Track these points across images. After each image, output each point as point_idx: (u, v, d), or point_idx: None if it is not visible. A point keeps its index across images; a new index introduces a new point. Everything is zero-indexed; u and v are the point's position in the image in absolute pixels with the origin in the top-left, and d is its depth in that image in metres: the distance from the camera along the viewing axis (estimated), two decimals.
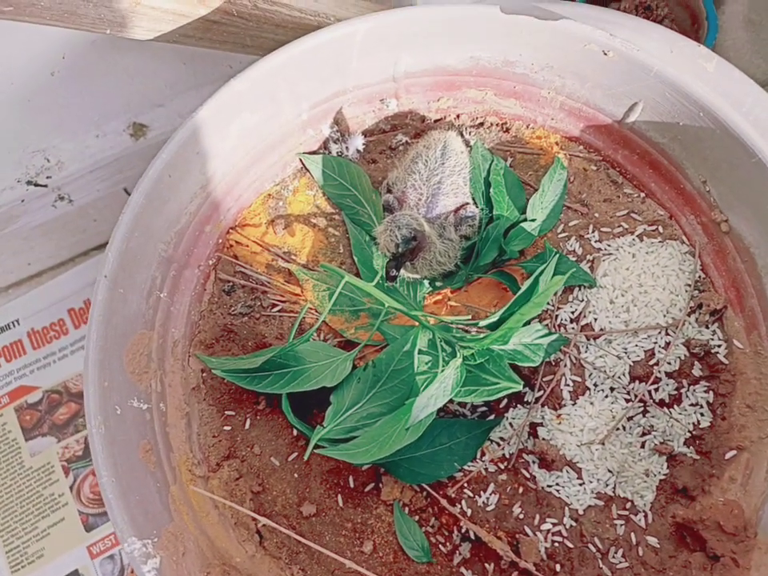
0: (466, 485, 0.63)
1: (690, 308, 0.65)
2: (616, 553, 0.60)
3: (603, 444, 0.63)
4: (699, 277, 0.67)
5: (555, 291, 0.65)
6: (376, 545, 0.62)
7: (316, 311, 0.67)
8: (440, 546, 0.62)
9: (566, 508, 0.61)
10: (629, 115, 0.66)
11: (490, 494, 0.62)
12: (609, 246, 0.68)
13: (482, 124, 0.73)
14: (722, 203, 0.64)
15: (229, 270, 0.68)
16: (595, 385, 0.64)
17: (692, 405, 0.64)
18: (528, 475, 0.63)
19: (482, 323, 0.60)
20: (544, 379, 0.64)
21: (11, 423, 0.89)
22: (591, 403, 0.64)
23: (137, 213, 0.56)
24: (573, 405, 0.64)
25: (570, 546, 0.60)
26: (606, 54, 0.62)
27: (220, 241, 0.68)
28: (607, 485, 0.62)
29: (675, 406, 0.64)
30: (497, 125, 0.73)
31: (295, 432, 0.65)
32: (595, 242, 0.68)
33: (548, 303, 0.65)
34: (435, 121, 0.73)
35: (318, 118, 0.70)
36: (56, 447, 0.89)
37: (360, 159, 0.72)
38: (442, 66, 0.68)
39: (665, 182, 0.68)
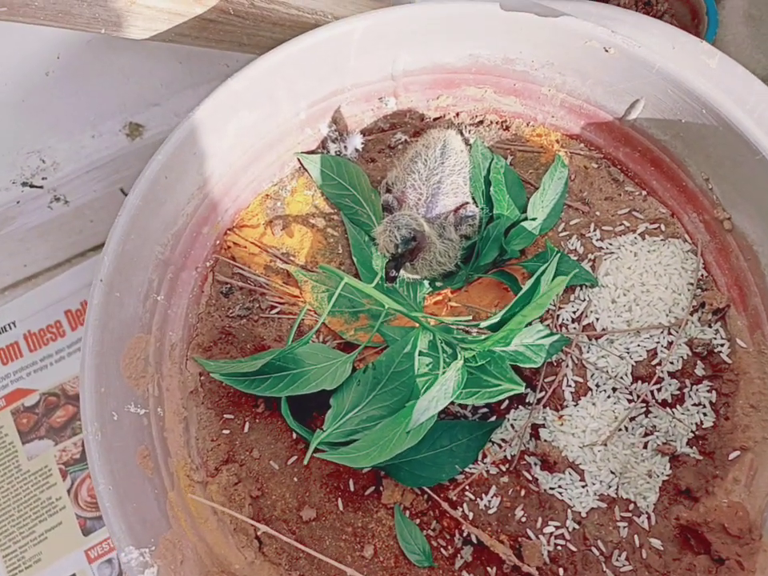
0: (467, 487, 0.62)
1: (693, 307, 0.65)
2: (619, 556, 0.59)
3: (605, 445, 0.62)
4: (702, 275, 0.66)
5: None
6: (377, 549, 0.61)
7: (315, 313, 0.67)
8: (441, 549, 0.61)
9: (569, 510, 0.61)
10: (630, 112, 0.66)
11: (492, 497, 0.62)
12: (610, 244, 0.67)
13: (481, 122, 0.73)
14: (725, 201, 0.64)
15: (227, 272, 0.67)
16: (597, 385, 0.64)
17: (695, 405, 0.64)
18: (530, 477, 0.62)
19: (483, 324, 0.59)
20: (546, 380, 0.64)
21: (8, 426, 0.89)
22: (593, 404, 0.63)
23: (133, 215, 0.55)
24: (575, 406, 0.63)
25: (573, 549, 0.59)
26: (607, 51, 0.61)
27: (217, 242, 0.68)
28: (610, 486, 0.62)
29: (678, 406, 0.64)
30: (497, 123, 0.72)
31: (294, 435, 0.64)
32: (596, 240, 0.68)
33: (549, 303, 0.64)
34: (434, 119, 0.73)
35: (316, 117, 0.69)
36: (53, 450, 0.88)
37: (359, 158, 0.72)
38: (440, 63, 0.68)
39: (667, 180, 0.68)
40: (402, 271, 0.65)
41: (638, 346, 0.64)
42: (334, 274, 0.62)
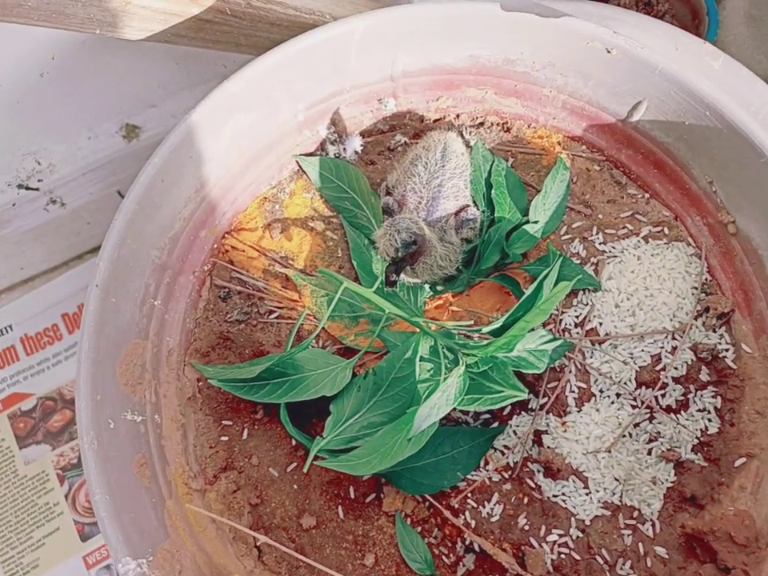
0: (469, 495, 0.61)
1: (697, 311, 0.64)
2: (624, 564, 0.59)
3: (609, 452, 0.61)
4: (706, 279, 0.65)
5: None
6: (378, 557, 0.60)
7: (314, 317, 0.66)
8: (443, 557, 0.61)
9: (573, 518, 0.60)
10: (633, 114, 0.65)
11: (495, 505, 0.61)
12: (613, 248, 0.66)
13: (482, 124, 0.72)
14: (730, 204, 0.63)
15: (224, 276, 0.67)
16: (601, 391, 0.63)
17: (699, 410, 0.63)
18: (533, 485, 0.61)
19: (485, 329, 0.59)
20: (548, 386, 0.63)
21: (5, 431, 0.88)
22: (597, 410, 0.62)
23: (129, 220, 0.54)
24: (578, 412, 0.62)
25: (577, 557, 0.59)
26: (609, 52, 0.61)
27: (215, 246, 0.67)
28: (614, 494, 0.61)
29: (682, 412, 0.63)
30: (497, 124, 0.71)
31: (294, 442, 0.63)
32: (599, 244, 0.67)
33: (553, 309, 0.63)
34: (434, 121, 0.72)
35: (315, 119, 0.68)
36: (50, 455, 0.87)
37: (358, 161, 0.71)
38: (440, 64, 0.67)
39: (670, 183, 0.67)
40: (402, 275, 0.64)
41: (642, 351, 0.63)
42: (333, 278, 0.61)
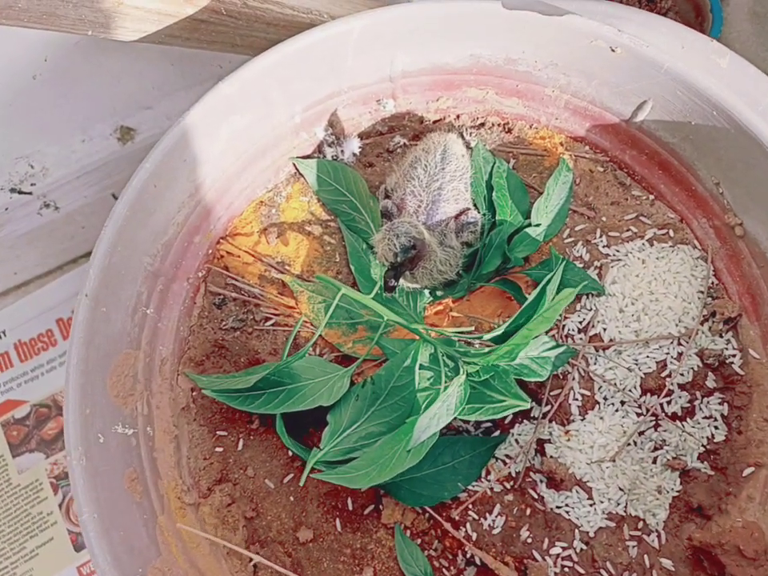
0: (470, 506, 0.60)
1: (703, 316, 0.62)
2: None
3: (614, 461, 0.60)
4: (712, 283, 0.64)
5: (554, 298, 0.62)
6: (377, 571, 0.59)
7: (311, 324, 0.64)
8: (444, 570, 0.59)
9: (576, 530, 0.58)
10: (637, 114, 0.63)
11: (496, 516, 0.59)
12: (617, 251, 0.65)
13: (482, 124, 0.70)
14: (737, 206, 0.61)
15: (219, 282, 0.65)
16: (605, 398, 0.61)
17: (705, 418, 0.61)
18: (536, 496, 0.60)
19: (487, 337, 0.57)
20: (551, 393, 0.61)
21: None
22: (601, 418, 0.61)
23: (120, 226, 0.52)
24: (582, 420, 0.61)
25: (582, 571, 0.57)
26: (613, 51, 0.59)
27: (210, 252, 0.65)
28: (618, 504, 0.60)
29: (688, 419, 0.61)
30: (498, 125, 0.70)
31: (291, 452, 0.62)
32: (603, 247, 0.65)
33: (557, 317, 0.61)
34: (434, 122, 0.70)
35: (312, 121, 0.67)
36: (44, 464, 0.86)
37: (356, 163, 0.70)
38: (440, 64, 0.65)
39: (675, 184, 0.65)
40: (401, 280, 0.63)
41: (647, 357, 0.62)
42: (330, 284, 0.59)
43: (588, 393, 0.61)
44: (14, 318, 0.93)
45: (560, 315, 0.63)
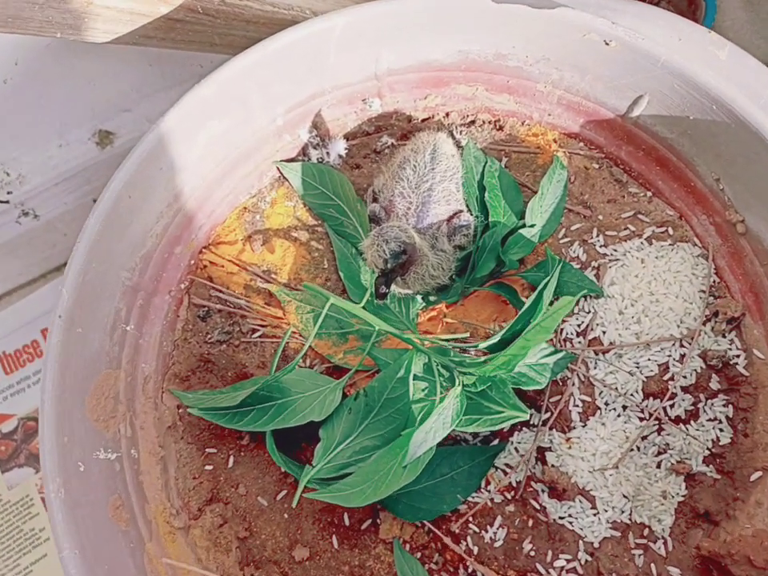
0: (471, 518, 0.58)
1: (706, 316, 0.61)
2: None
3: (617, 468, 0.58)
4: (714, 282, 0.62)
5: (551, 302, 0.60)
6: None
7: (300, 335, 0.62)
8: None
9: (581, 541, 0.57)
10: (633, 109, 0.62)
11: (498, 528, 0.58)
12: (615, 250, 0.63)
13: (473, 122, 0.68)
14: (738, 202, 0.59)
15: (203, 294, 0.63)
16: (606, 404, 0.60)
17: (710, 420, 0.60)
18: (538, 506, 0.58)
19: (482, 345, 0.55)
20: (551, 400, 0.60)
21: None
22: (603, 424, 0.59)
23: (93, 241, 0.50)
24: (583, 427, 0.59)
25: None
26: (607, 44, 0.57)
27: (192, 262, 0.63)
28: (623, 512, 0.58)
29: (692, 422, 0.60)
30: (489, 122, 0.68)
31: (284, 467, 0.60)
32: (600, 246, 0.63)
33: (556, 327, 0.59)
34: (423, 120, 0.69)
35: (295, 123, 0.65)
36: (34, 479, 0.84)
37: (342, 165, 0.68)
38: (427, 61, 0.64)
39: (673, 180, 0.64)
40: (393, 286, 0.61)
41: (649, 360, 0.60)
42: (318, 294, 0.57)
43: (589, 398, 0.59)
44: None
45: None
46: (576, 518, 0.57)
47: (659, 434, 0.60)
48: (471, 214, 0.63)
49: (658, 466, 0.59)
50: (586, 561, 0.56)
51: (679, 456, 0.59)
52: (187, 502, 0.57)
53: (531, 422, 0.60)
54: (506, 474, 0.59)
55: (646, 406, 0.59)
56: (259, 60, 0.56)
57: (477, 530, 0.58)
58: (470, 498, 0.58)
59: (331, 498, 0.53)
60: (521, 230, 0.63)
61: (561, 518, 0.57)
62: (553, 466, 0.58)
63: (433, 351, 0.57)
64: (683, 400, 0.60)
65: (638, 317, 0.61)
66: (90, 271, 0.50)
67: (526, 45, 0.61)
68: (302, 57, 0.59)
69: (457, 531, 0.58)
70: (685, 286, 0.61)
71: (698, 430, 0.59)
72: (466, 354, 0.59)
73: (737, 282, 0.61)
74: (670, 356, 0.60)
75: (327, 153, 0.66)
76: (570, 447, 0.59)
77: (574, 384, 0.60)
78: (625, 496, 0.58)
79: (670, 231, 0.63)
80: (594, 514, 0.57)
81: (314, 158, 0.66)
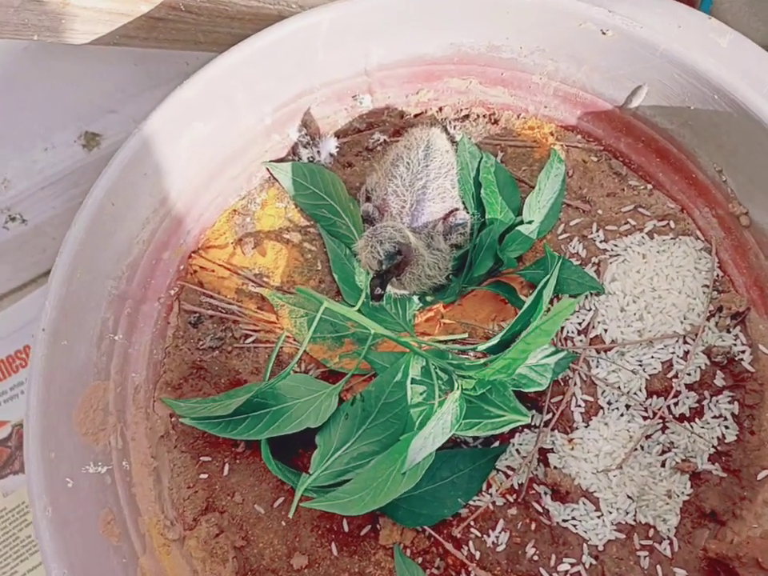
0: (472, 523, 0.57)
1: (710, 312, 0.59)
2: None
3: (621, 468, 0.57)
4: (717, 276, 0.60)
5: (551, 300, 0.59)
6: None
7: (294, 340, 0.61)
8: None
9: (585, 544, 0.56)
10: (632, 100, 0.60)
11: (500, 532, 0.57)
12: (615, 246, 0.62)
13: (467, 116, 0.67)
14: (741, 194, 0.58)
15: (194, 300, 0.62)
16: (609, 403, 0.58)
17: (715, 417, 0.59)
18: (540, 509, 0.57)
19: (481, 347, 0.54)
20: (552, 400, 0.58)
21: None
22: (606, 424, 0.58)
23: (76, 251, 0.48)
24: (586, 427, 0.58)
25: None
26: (604, 33, 0.56)
27: (182, 267, 0.62)
28: (627, 513, 0.57)
29: (696, 420, 0.59)
30: (484, 116, 0.67)
31: None
32: (600, 242, 0.62)
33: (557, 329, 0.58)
34: (415, 116, 0.67)
35: (284, 122, 0.63)
36: None
37: (334, 164, 0.66)
38: (418, 54, 0.62)
39: (674, 172, 0.62)
40: (388, 287, 0.59)
41: (652, 357, 0.59)
42: (312, 298, 0.55)
43: (591, 398, 0.58)
44: None
45: None
46: (580, 521, 0.56)
47: (663, 433, 0.58)
48: (467, 212, 0.62)
49: (663, 465, 0.58)
50: (591, 564, 0.55)
51: (684, 454, 0.58)
52: (182, 512, 0.56)
53: (533, 423, 0.59)
54: (507, 476, 0.58)
55: (650, 405, 0.58)
56: (244, 58, 0.55)
57: (479, 534, 0.57)
58: (471, 502, 0.57)
59: (329, 506, 0.52)
60: (518, 227, 0.61)
61: (564, 520, 0.56)
62: (555, 467, 0.57)
63: (431, 354, 0.55)
64: (687, 397, 0.58)
65: (641, 313, 0.59)
66: (75, 282, 0.48)
67: (519, 35, 0.59)
68: (288, 53, 0.57)
69: (458, 536, 0.57)
70: (688, 281, 0.60)
71: (702, 427, 0.58)
72: (465, 356, 0.58)
73: (741, 276, 0.60)
74: (673, 353, 0.59)
75: (318, 152, 0.65)
76: (572, 448, 0.57)
77: (575, 384, 0.58)
78: (629, 497, 0.57)
79: (672, 225, 0.62)
80: (598, 516, 0.56)
81: (304, 158, 0.65)
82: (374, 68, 0.62)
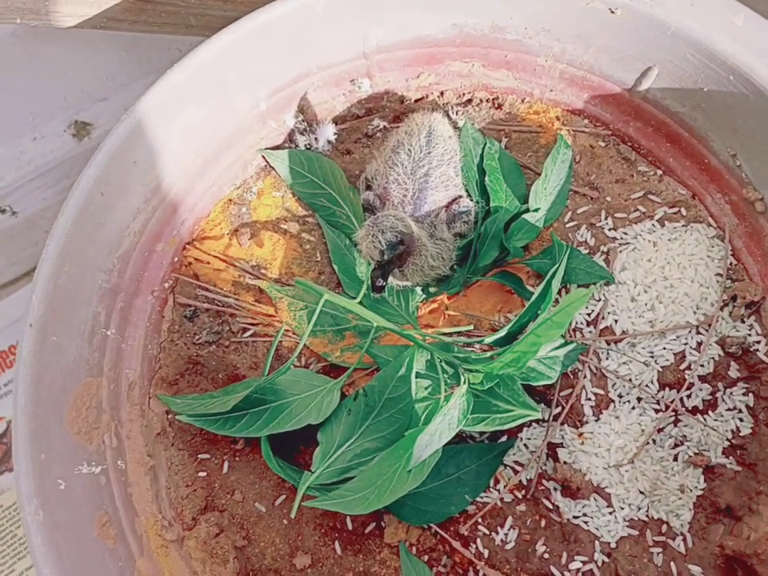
0: (480, 520, 0.56)
1: (723, 301, 0.58)
2: None
3: (633, 462, 0.55)
4: (731, 264, 0.59)
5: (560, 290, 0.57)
6: None
7: (294, 333, 0.59)
8: None
9: (597, 542, 0.54)
10: (641, 82, 0.58)
11: (509, 530, 0.55)
12: (625, 234, 0.60)
13: (470, 101, 0.65)
14: (756, 179, 0.56)
15: (189, 293, 0.60)
16: (620, 396, 0.57)
17: (729, 410, 0.57)
18: (550, 505, 0.55)
19: (488, 340, 0.52)
20: (561, 394, 0.57)
21: None
22: (617, 417, 0.56)
23: (64, 243, 0.46)
24: (596, 421, 0.56)
25: None
26: (613, 12, 0.54)
27: (176, 259, 0.60)
28: (639, 508, 0.55)
29: (710, 413, 0.57)
30: (487, 101, 0.65)
31: None
32: (609, 230, 0.60)
33: (569, 321, 0.56)
34: (416, 101, 0.65)
35: (280, 107, 0.61)
36: None
37: (332, 151, 0.64)
38: (419, 36, 0.60)
39: (685, 157, 0.61)
40: (390, 278, 0.57)
41: (664, 349, 0.57)
42: (312, 290, 0.53)
43: (601, 391, 0.56)
44: None
45: None
46: (591, 517, 0.55)
47: (675, 426, 0.57)
48: (471, 200, 0.60)
49: (675, 459, 0.57)
50: (603, 562, 0.54)
51: (697, 448, 0.57)
52: (180, 511, 0.54)
53: (541, 417, 0.57)
54: (515, 472, 0.56)
55: (662, 397, 0.56)
56: (236, 40, 0.53)
57: (487, 531, 0.55)
58: (478, 499, 0.56)
59: (332, 505, 0.51)
60: (524, 215, 0.60)
61: (575, 517, 0.55)
62: (565, 462, 0.56)
63: (435, 347, 0.53)
64: (701, 389, 0.57)
65: (652, 303, 0.58)
66: (63, 275, 0.46)
67: (524, 16, 0.57)
68: (283, 36, 0.55)
69: (466, 533, 0.55)
70: (700, 270, 0.58)
71: (716, 420, 0.57)
72: (471, 349, 0.56)
73: (755, 264, 0.58)
74: (686, 344, 0.57)
75: (315, 139, 0.63)
76: (582, 443, 0.56)
77: (585, 376, 0.57)
78: (641, 492, 0.56)
79: (683, 211, 0.60)
80: (610, 513, 0.55)
81: (301, 145, 0.63)
82: (373, 50, 0.60)
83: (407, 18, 0.58)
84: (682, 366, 0.57)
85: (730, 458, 0.56)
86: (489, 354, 0.52)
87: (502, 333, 0.51)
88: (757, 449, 0.56)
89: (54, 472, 0.44)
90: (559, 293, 0.58)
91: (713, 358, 0.57)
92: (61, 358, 0.47)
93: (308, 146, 0.63)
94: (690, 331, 0.57)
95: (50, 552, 0.41)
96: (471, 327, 0.59)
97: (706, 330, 0.57)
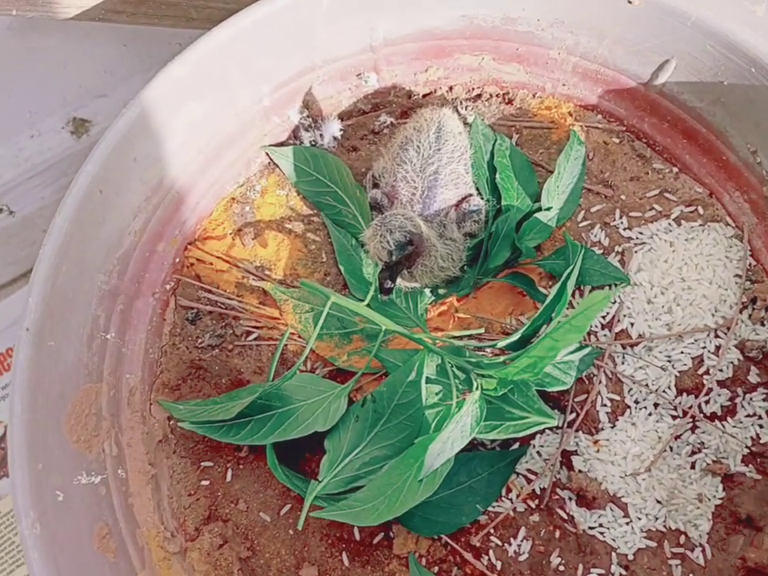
0: (492, 530, 0.54)
1: (743, 303, 0.57)
2: None
3: (650, 471, 0.54)
4: (750, 265, 0.57)
5: (573, 291, 0.55)
6: None
7: (299, 337, 0.57)
8: None
9: (613, 553, 0.53)
10: (658, 76, 0.57)
11: (522, 541, 0.53)
12: (641, 233, 0.58)
13: (479, 96, 0.64)
14: None
15: (191, 295, 0.59)
16: (636, 402, 0.55)
17: (749, 416, 0.56)
18: (565, 515, 0.54)
19: (501, 344, 0.50)
20: (576, 399, 0.55)
21: None
22: (633, 424, 0.55)
23: (61, 243, 0.45)
24: (612, 428, 0.55)
25: None
26: (630, 2, 0.53)
27: (177, 260, 0.59)
28: (657, 519, 0.54)
29: (729, 419, 0.56)
30: (497, 96, 0.64)
31: None
32: (624, 229, 0.59)
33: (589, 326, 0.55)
34: (424, 96, 0.64)
35: (284, 103, 0.60)
36: None
37: (338, 148, 0.63)
38: (427, 28, 0.59)
39: (702, 154, 0.59)
40: (398, 280, 0.56)
41: (682, 353, 0.56)
42: (318, 292, 0.52)
43: (617, 397, 0.55)
44: None
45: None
46: (608, 528, 0.53)
47: (693, 433, 0.56)
48: (482, 198, 0.58)
49: (693, 467, 0.55)
50: (621, 575, 0.52)
51: (715, 455, 0.55)
52: (183, 522, 0.53)
53: (555, 424, 0.55)
54: (529, 480, 0.55)
55: (680, 403, 0.55)
56: (238, 32, 0.52)
57: (499, 542, 0.54)
58: (490, 508, 0.54)
59: (341, 516, 0.49)
60: (536, 214, 0.58)
61: (591, 528, 0.53)
62: (580, 471, 0.54)
63: (446, 351, 0.52)
64: (719, 395, 0.56)
65: (669, 306, 0.56)
66: (60, 277, 0.45)
67: (537, 6, 0.56)
68: (287, 28, 0.54)
69: (477, 544, 0.54)
70: (719, 271, 0.56)
71: (735, 427, 0.55)
72: (482, 353, 0.54)
73: None
74: (704, 348, 0.56)
75: (321, 135, 0.62)
76: (598, 450, 0.54)
77: (600, 381, 0.55)
78: (658, 501, 0.54)
79: (700, 210, 0.59)
80: (627, 523, 0.53)
81: (306, 141, 0.62)
82: (380, 43, 0.58)
83: (416, 9, 0.57)
84: (700, 371, 0.55)
85: (750, 465, 0.55)
86: (502, 358, 0.50)
87: (515, 337, 0.50)
88: None
89: (51, 483, 0.42)
90: (572, 295, 0.56)
91: (732, 362, 0.55)
92: (59, 363, 0.45)
93: (313, 143, 0.62)
94: (708, 334, 0.56)
95: (48, 567, 0.40)
96: (482, 330, 0.58)
97: (725, 334, 0.55)
